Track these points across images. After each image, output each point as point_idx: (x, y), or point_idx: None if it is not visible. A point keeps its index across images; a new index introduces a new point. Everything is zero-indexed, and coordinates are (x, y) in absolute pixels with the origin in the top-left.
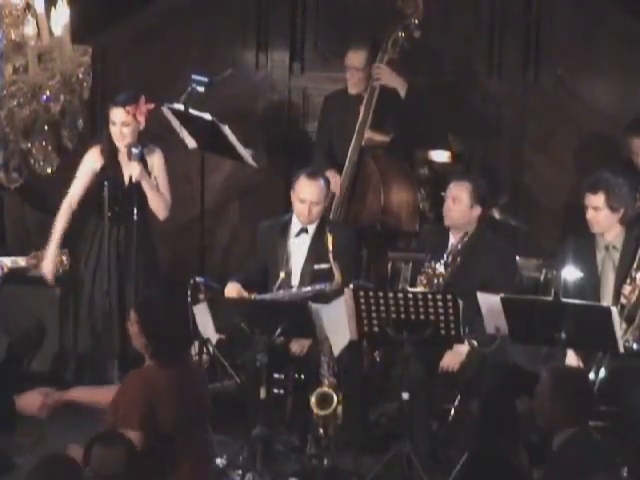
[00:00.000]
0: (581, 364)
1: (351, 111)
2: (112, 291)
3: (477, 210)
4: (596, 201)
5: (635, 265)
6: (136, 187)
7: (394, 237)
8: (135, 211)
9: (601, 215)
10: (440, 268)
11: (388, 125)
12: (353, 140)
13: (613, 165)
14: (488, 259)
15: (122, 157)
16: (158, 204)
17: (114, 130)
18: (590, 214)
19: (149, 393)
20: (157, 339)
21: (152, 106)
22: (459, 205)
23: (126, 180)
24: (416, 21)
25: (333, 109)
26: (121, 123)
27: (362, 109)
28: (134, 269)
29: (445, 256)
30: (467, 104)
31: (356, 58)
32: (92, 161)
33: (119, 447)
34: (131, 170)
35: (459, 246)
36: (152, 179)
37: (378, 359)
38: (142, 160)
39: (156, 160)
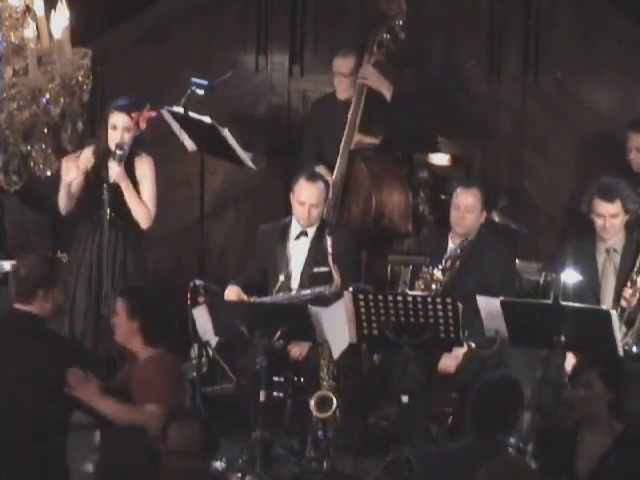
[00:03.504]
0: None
1: (340, 116)
2: (93, 293)
3: (484, 215)
4: (613, 209)
5: (636, 268)
6: (115, 190)
7: (388, 238)
8: (109, 213)
9: (617, 221)
10: (437, 274)
11: (376, 127)
12: (342, 143)
13: (613, 168)
14: (487, 262)
15: (110, 163)
16: (138, 212)
17: (114, 134)
18: (608, 222)
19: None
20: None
21: (154, 113)
22: (473, 213)
23: (111, 183)
24: (400, 22)
25: (321, 114)
26: (123, 128)
27: (350, 112)
28: (115, 272)
29: (443, 261)
30: (466, 107)
31: (345, 64)
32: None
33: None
34: (111, 170)
35: (458, 250)
36: (141, 186)
37: (377, 363)
38: (126, 164)
39: (144, 167)
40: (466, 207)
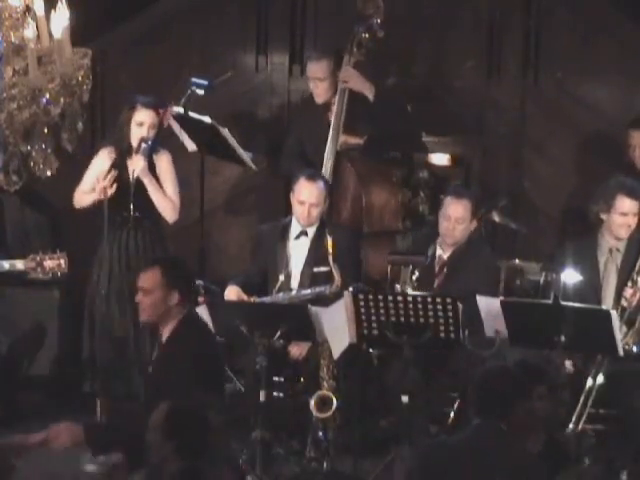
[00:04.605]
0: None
1: (320, 118)
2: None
3: (474, 224)
4: (638, 207)
5: (637, 268)
6: (139, 186)
7: (382, 237)
8: (134, 212)
9: (636, 219)
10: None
11: (361, 127)
12: (328, 145)
13: (613, 168)
14: (471, 268)
15: (130, 161)
16: (163, 205)
17: (140, 131)
18: (632, 220)
19: None
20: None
21: (175, 113)
22: (462, 224)
23: (131, 182)
24: (378, 21)
25: (301, 116)
26: (149, 125)
27: (333, 114)
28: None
29: (416, 274)
30: (466, 107)
31: (318, 69)
32: (102, 160)
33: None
34: (135, 164)
35: (445, 257)
36: (159, 180)
37: (375, 363)
38: (149, 159)
39: (164, 163)
40: (456, 219)
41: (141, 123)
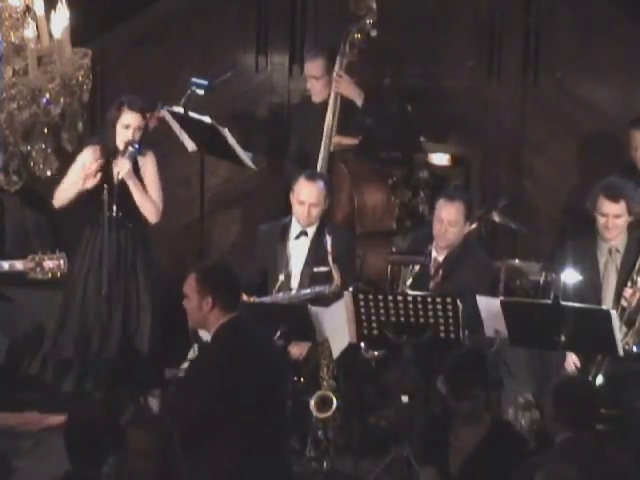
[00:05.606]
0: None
1: (317, 118)
2: (111, 296)
3: (467, 227)
4: (618, 209)
5: (637, 268)
6: (123, 188)
7: (376, 237)
8: (117, 213)
9: (620, 222)
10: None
11: (354, 128)
12: (322, 146)
13: (613, 168)
14: (466, 268)
15: (115, 162)
16: (146, 208)
17: (125, 133)
18: (610, 222)
19: None
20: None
21: (164, 115)
22: (455, 227)
23: (115, 182)
24: (370, 21)
25: (300, 117)
26: (135, 127)
27: (327, 115)
28: (125, 273)
29: (411, 279)
30: (467, 107)
31: (314, 67)
32: (87, 158)
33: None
34: (120, 167)
35: (440, 259)
36: (144, 182)
37: (374, 364)
38: (134, 162)
39: (148, 164)
40: (449, 221)
41: (127, 126)
